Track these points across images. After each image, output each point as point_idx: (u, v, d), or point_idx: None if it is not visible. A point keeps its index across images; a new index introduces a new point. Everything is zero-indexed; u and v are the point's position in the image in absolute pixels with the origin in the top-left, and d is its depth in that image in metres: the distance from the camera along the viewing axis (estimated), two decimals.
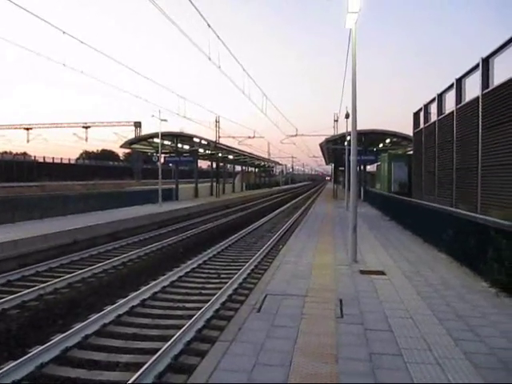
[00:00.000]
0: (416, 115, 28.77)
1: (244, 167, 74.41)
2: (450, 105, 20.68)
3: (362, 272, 9.68)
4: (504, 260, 7.61)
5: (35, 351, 6.56)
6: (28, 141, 73.14)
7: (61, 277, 11.70)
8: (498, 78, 14.90)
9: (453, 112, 19.34)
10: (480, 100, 15.69)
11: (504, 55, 14.48)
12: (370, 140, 38.43)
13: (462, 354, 5.09)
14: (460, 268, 10.02)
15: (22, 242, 14.19)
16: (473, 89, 17.06)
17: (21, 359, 6.26)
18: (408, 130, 32.68)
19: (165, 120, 29.98)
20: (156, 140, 35.67)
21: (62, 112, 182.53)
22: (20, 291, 10.16)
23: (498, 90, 14.34)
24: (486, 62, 15.37)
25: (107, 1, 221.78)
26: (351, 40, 11.01)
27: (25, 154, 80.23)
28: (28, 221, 19.20)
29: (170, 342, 6.85)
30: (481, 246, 8.77)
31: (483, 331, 5.89)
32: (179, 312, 9.14)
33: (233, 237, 19.29)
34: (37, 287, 10.46)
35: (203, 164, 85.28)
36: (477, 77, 16.21)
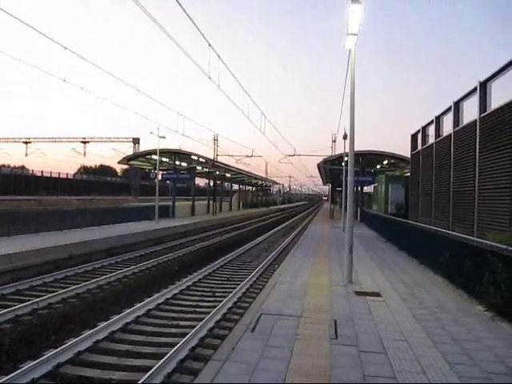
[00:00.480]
0: (414, 137, 28.91)
1: (241, 186, 74.46)
2: (447, 127, 20.80)
3: (358, 293, 9.65)
4: (500, 283, 7.60)
5: (27, 366, 6.50)
6: (26, 154, 72.95)
7: (55, 292, 11.64)
8: (496, 101, 15.02)
9: (450, 135, 19.44)
10: (477, 123, 15.77)
11: (502, 79, 14.61)
12: (367, 161, 38.58)
13: (456, 378, 5.06)
14: (456, 291, 10.00)
15: (17, 255, 14.13)
16: (470, 112, 17.18)
17: (12, 374, 6.21)
18: (406, 151, 32.80)
19: (163, 137, 30.15)
20: (154, 157, 35.79)
21: (61, 127, 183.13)
22: (14, 305, 10.09)
23: (496, 113, 14.43)
24: (484, 86, 15.49)
25: (108, 18, 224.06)
26: (350, 61, 11.13)
27: (23, 167, 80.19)
28: (24, 234, 19.16)
29: (163, 360, 6.80)
30: (477, 269, 8.76)
31: (478, 355, 5.86)
32: (173, 330, 9.08)
33: (228, 255, 19.26)
34: (31, 301, 10.39)
35: (201, 182, 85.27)
36: (474, 100, 16.33)
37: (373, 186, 45.81)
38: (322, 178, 66.14)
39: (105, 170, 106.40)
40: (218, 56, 15.95)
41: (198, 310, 10.67)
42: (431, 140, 23.65)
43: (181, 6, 11.43)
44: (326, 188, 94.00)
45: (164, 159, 39.12)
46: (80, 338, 7.86)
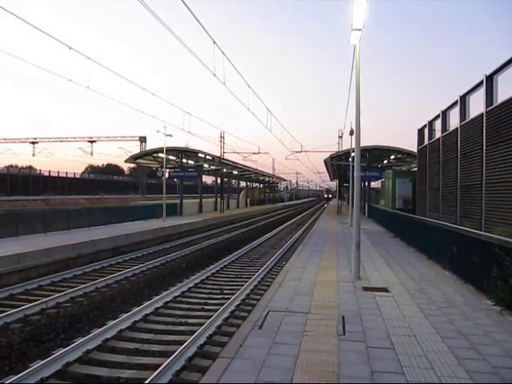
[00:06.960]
0: (420, 132, 28.78)
1: (248, 183, 74.47)
2: (454, 121, 20.70)
3: (365, 289, 9.63)
4: (508, 278, 7.57)
5: (35, 366, 6.54)
6: (34, 155, 73.35)
7: (64, 291, 11.70)
8: (502, 94, 14.93)
9: (457, 129, 19.34)
10: (484, 117, 15.69)
11: (508, 72, 14.51)
12: (374, 156, 38.41)
13: (464, 373, 5.04)
14: (464, 285, 9.97)
15: (26, 255, 14.20)
16: (477, 106, 17.09)
17: (21, 374, 6.25)
18: (412, 146, 32.61)
19: (170, 135, 30.16)
20: (161, 155, 35.83)
21: (68, 126, 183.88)
22: (22, 305, 10.16)
23: (502, 107, 14.34)
24: (490, 79, 15.40)
25: (112, 17, 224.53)
26: (355, 57, 11.09)
27: (30, 167, 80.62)
28: (32, 234, 19.26)
29: (171, 358, 6.81)
30: (485, 263, 8.72)
31: (486, 350, 5.84)
32: (181, 327, 9.10)
33: (236, 252, 19.28)
34: (39, 301, 10.46)
35: (208, 179, 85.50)
36: (481, 94, 16.24)
37: (380, 181, 45.68)
38: (329, 173, 65.97)
39: (112, 168, 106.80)
40: (223, 53, 15.94)
41: (206, 307, 10.69)
42: (438, 134, 23.55)
43: (185, 3, 11.42)
44: (334, 184, 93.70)
45: (171, 157, 39.15)
46: (89, 336, 7.90)
